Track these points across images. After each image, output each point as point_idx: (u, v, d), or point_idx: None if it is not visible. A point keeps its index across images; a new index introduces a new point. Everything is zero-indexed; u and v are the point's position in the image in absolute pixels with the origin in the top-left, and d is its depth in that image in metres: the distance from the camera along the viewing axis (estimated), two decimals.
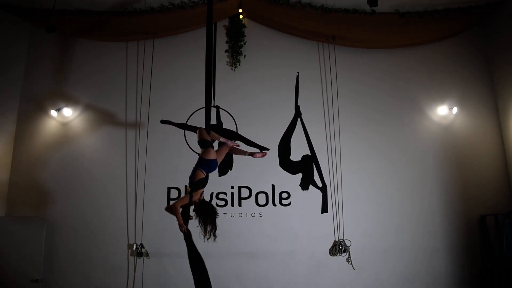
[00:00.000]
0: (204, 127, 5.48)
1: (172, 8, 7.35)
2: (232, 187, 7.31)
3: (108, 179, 7.27)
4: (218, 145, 6.22)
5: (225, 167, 7.29)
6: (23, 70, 7.69)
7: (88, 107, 7.57)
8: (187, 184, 5.20)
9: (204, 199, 5.23)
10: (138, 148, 7.33)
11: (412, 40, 7.84)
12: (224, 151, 5.54)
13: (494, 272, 6.84)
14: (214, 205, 7.12)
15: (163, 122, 7.27)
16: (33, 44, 7.80)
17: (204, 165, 5.11)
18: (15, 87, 7.55)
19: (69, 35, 7.75)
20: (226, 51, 7.74)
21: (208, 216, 4.98)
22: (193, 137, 6.85)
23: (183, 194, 7.15)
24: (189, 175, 5.11)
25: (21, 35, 7.74)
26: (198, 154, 5.33)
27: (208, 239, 4.93)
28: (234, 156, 7.32)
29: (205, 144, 5.27)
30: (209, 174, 5.19)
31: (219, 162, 5.32)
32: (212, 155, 5.17)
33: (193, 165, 5.13)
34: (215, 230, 4.98)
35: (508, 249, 6.58)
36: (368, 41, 7.80)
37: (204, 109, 6.62)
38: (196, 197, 5.04)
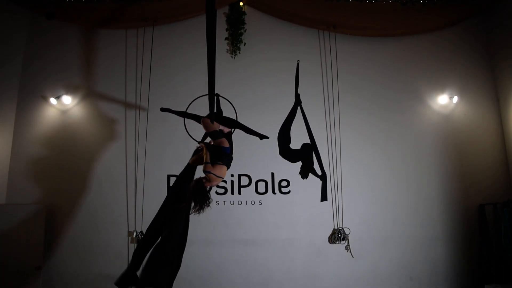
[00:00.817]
0: (205, 116, 5.46)
1: None
2: (232, 175, 7.33)
3: (108, 166, 7.28)
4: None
5: None
6: (22, 58, 7.66)
7: (87, 95, 7.55)
8: None
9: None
10: (138, 135, 7.33)
11: (414, 28, 7.79)
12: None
13: (492, 260, 6.88)
14: (214, 193, 7.21)
15: (162, 110, 7.25)
16: (32, 31, 7.75)
17: (224, 154, 5.04)
18: (14, 75, 7.53)
19: (68, 22, 7.70)
20: (226, 38, 7.70)
21: (200, 200, 4.69)
22: (193, 125, 6.84)
23: None
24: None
25: (20, 23, 7.69)
26: (198, 142, 5.30)
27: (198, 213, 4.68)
28: (234, 144, 7.30)
29: (216, 135, 5.19)
30: None
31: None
32: (226, 143, 5.13)
33: (193, 153, 5.13)
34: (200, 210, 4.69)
35: (506, 237, 6.61)
36: (369, 29, 7.75)
37: (204, 97, 6.65)
38: (208, 170, 4.85)
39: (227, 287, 6.92)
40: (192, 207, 4.66)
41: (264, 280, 7.00)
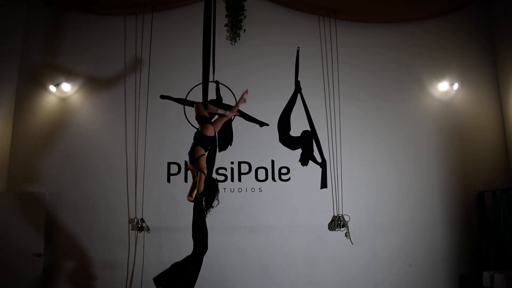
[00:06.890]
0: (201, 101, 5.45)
1: None
2: (232, 162, 7.33)
3: (108, 154, 7.27)
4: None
5: (225, 142, 7.29)
6: (21, 45, 7.60)
7: (87, 82, 7.51)
8: (187, 160, 5.21)
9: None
10: (138, 123, 7.30)
11: (414, 14, 7.73)
12: (221, 123, 5.55)
13: (490, 247, 6.92)
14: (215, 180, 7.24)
15: (162, 97, 7.25)
16: (31, 18, 7.67)
17: (203, 141, 5.09)
18: (13, 63, 7.48)
19: (66, 9, 7.63)
20: (225, 25, 7.64)
21: (211, 192, 5.08)
22: (193, 113, 6.83)
23: (183, 169, 7.20)
24: (188, 150, 5.10)
25: (18, 10, 7.62)
26: (197, 128, 5.29)
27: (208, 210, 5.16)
28: (234, 131, 7.33)
29: (203, 120, 5.23)
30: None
31: (216, 131, 5.37)
32: (210, 132, 5.13)
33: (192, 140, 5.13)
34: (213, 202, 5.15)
35: (505, 224, 6.64)
36: (369, 15, 7.68)
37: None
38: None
39: (228, 272, 6.97)
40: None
41: (265, 265, 7.04)
